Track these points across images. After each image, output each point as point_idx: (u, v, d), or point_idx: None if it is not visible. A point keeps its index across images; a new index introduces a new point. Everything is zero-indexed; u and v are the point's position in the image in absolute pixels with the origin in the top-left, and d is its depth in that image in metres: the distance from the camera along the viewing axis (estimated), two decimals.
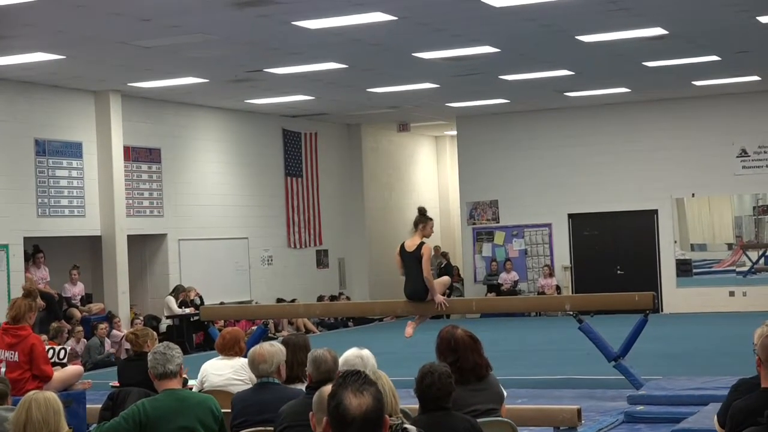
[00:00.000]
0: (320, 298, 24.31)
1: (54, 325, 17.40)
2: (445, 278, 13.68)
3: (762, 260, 26.13)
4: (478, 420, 6.26)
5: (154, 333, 9.74)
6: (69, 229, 19.34)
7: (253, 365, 7.04)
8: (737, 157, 24.29)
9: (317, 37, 15.47)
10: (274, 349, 7.04)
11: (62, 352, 10.65)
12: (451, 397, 5.85)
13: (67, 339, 17.65)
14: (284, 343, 7.34)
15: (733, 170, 24.33)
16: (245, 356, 9.54)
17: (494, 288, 25.70)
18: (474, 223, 26.72)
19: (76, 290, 19.28)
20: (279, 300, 22.93)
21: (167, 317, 20.74)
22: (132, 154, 20.60)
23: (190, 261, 21.91)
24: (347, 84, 20.49)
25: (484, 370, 6.74)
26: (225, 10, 13.57)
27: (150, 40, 15.33)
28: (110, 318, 19.16)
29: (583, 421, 9.56)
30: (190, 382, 9.50)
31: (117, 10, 13.50)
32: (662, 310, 24.09)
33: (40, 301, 17.48)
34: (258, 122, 24.23)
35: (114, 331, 18.80)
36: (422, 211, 12.53)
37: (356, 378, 3.74)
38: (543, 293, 24.81)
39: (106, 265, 19.91)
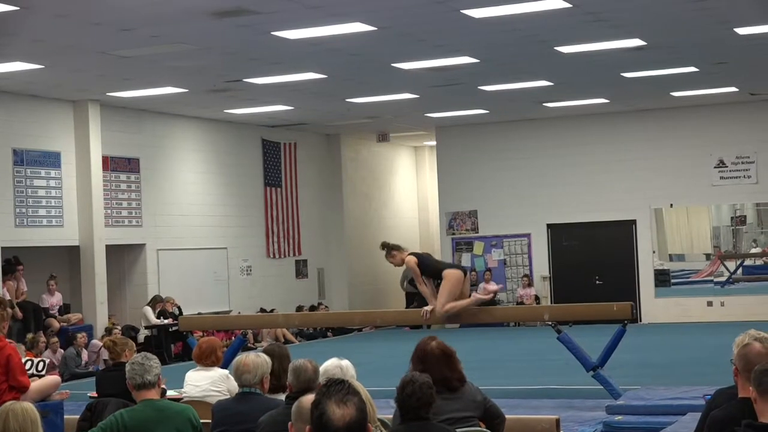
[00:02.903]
0: (299, 308, 24.27)
1: (30, 336, 17.35)
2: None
3: (740, 270, 26.27)
4: (456, 428, 6.26)
5: (133, 343, 9.72)
6: (47, 238, 19.26)
7: (237, 374, 7.02)
8: (715, 167, 24.40)
9: (297, 47, 15.48)
10: (259, 360, 7.02)
11: (41, 364, 10.59)
12: (431, 408, 5.84)
13: (45, 349, 17.58)
14: (268, 353, 7.32)
15: (711, 181, 24.44)
16: (223, 366, 9.56)
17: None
18: (453, 234, 26.75)
19: (53, 300, 19.20)
20: (262, 310, 22.89)
21: (145, 327, 20.67)
22: (111, 163, 20.55)
23: (169, 271, 21.85)
24: (327, 94, 20.50)
25: (456, 383, 6.73)
26: (205, 20, 13.56)
27: (129, 50, 15.30)
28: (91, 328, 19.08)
29: (561, 431, 9.57)
30: (172, 392, 9.49)
31: (97, 19, 13.47)
32: (641, 320, 24.15)
33: (17, 311, 17.53)
34: (237, 132, 24.21)
35: (93, 341, 18.73)
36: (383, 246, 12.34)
37: (340, 388, 3.74)
38: (522, 303, 24.83)
39: (84, 275, 19.84)
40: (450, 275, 11.80)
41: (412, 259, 11.91)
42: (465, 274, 11.99)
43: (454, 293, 11.85)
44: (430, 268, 12.04)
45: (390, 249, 12.03)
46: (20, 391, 9.54)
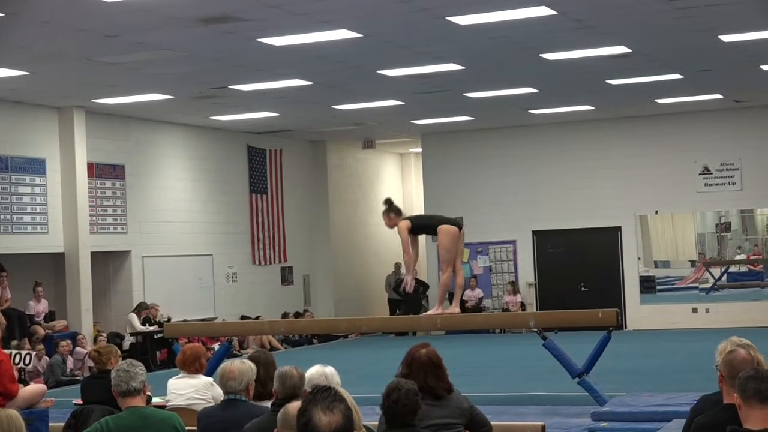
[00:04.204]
0: (285, 315, 24.26)
1: (14, 342, 17.27)
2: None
3: (724, 277, 26.32)
4: None
5: (118, 350, 9.69)
6: (32, 245, 19.21)
7: (222, 381, 7.01)
8: (700, 174, 24.47)
9: (282, 54, 15.47)
10: (244, 366, 7.02)
11: (27, 357, 10.58)
12: (417, 414, 5.85)
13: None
14: (254, 359, 7.31)
15: (695, 188, 24.51)
16: (207, 374, 9.53)
17: (459, 305, 25.65)
18: None
19: (40, 308, 19.13)
20: (243, 317, 22.87)
21: (131, 334, 20.62)
22: (96, 170, 20.50)
23: (154, 278, 21.80)
24: (312, 101, 20.50)
25: (441, 392, 6.72)
26: (190, 26, 13.55)
27: (114, 57, 15.29)
28: (75, 336, 19.01)
29: None
30: (157, 399, 9.45)
31: (81, 26, 13.45)
32: (626, 327, 24.20)
33: (1, 319, 17.47)
34: (223, 139, 24.19)
35: (77, 348, 18.68)
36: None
37: (326, 395, 3.73)
38: (508, 310, 24.87)
39: (70, 282, 19.78)
40: (443, 231, 11.90)
41: (404, 224, 11.92)
42: (460, 228, 12.07)
43: (452, 250, 11.92)
44: (424, 225, 12.11)
45: (390, 209, 12.00)
46: (7, 397, 9.52)
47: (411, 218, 12.08)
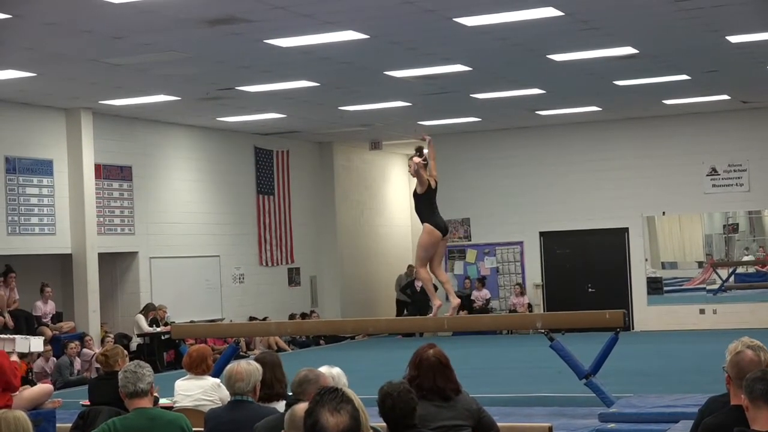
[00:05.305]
0: (292, 316, 24.26)
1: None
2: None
3: (732, 278, 26.29)
4: None
5: (124, 350, 9.71)
6: (39, 247, 19.22)
7: (230, 383, 7.01)
8: (707, 175, 24.45)
9: (289, 55, 15.48)
10: (251, 368, 7.02)
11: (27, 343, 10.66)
12: (416, 413, 5.84)
13: (37, 358, 17.55)
14: (260, 361, 7.31)
15: (703, 189, 24.48)
16: (215, 375, 9.53)
17: (466, 306, 25.70)
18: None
19: (47, 309, 19.13)
20: (251, 318, 22.88)
21: (138, 335, 20.64)
22: (103, 171, 20.52)
23: (162, 279, 21.81)
24: (319, 102, 20.50)
25: (450, 393, 6.71)
26: (197, 28, 13.56)
27: (121, 58, 15.29)
28: (82, 337, 19.03)
29: None
30: (164, 400, 9.47)
31: (88, 27, 13.46)
32: (633, 328, 24.17)
33: (9, 320, 17.50)
34: (230, 140, 24.20)
35: (85, 350, 18.69)
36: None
37: (333, 396, 3.73)
38: (515, 311, 24.86)
39: (77, 283, 19.79)
40: (427, 230, 12.02)
41: (423, 183, 12.09)
42: (444, 233, 12.11)
43: (429, 251, 12.05)
44: (421, 207, 12.16)
45: (418, 155, 12.32)
46: (11, 391, 9.57)
47: (428, 188, 12.20)
